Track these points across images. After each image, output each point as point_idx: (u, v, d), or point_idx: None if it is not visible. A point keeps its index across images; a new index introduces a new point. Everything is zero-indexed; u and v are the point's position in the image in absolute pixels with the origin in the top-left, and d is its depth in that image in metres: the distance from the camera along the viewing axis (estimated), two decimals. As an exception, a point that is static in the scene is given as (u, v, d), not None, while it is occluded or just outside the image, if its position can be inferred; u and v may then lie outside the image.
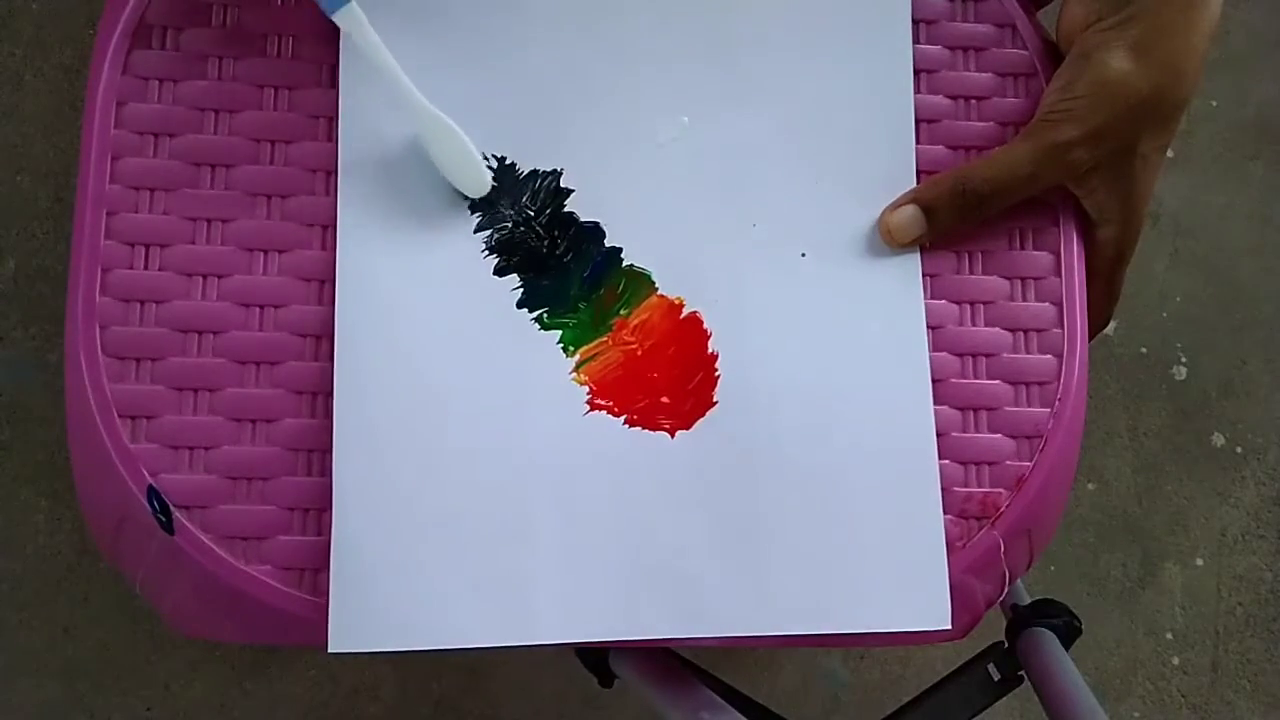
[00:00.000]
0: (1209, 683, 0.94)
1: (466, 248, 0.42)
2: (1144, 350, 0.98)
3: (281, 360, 0.41)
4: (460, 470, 0.40)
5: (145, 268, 0.41)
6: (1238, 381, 0.97)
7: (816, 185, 0.43)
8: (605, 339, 0.42)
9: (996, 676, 0.58)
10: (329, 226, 0.41)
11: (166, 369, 0.40)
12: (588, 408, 0.41)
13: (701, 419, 0.41)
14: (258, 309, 0.41)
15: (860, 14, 0.44)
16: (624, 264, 0.42)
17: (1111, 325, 0.86)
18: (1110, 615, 0.94)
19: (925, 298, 0.43)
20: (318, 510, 0.40)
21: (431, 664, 0.89)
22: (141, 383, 0.40)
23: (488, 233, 0.42)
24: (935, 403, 0.42)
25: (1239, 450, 0.97)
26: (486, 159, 0.42)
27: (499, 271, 0.42)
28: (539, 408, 0.41)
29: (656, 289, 0.42)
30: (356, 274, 0.41)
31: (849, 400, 0.42)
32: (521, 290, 0.42)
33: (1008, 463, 0.42)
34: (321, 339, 0.41)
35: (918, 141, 0.44)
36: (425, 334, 0.41)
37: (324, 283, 0.41)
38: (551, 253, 0.42)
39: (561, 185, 0.43)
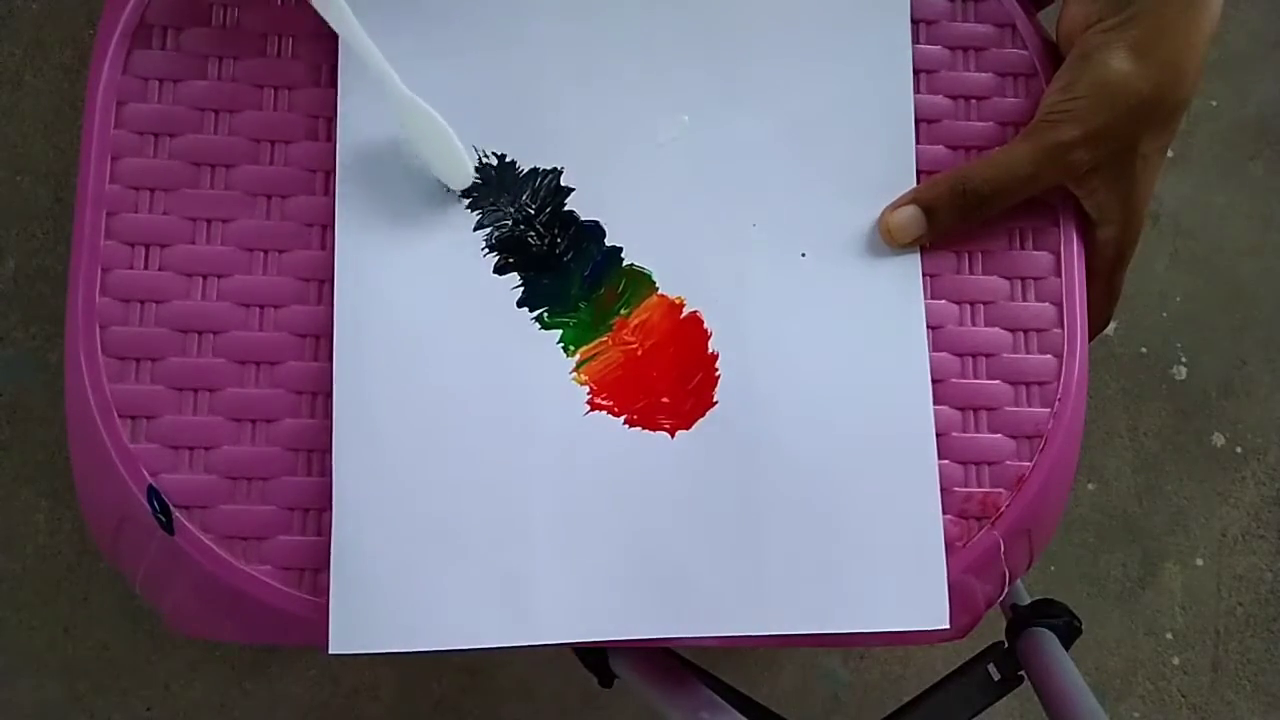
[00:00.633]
0: (1209, 683, 0.94)
1: (466, 246, 0.42)
2: (1144, 350, 0.97)
3: (281, 360, 0.41)
4: (460, 470, 0.40)
5: (145, 268, 0.41)
6: (1238, 381, 0.97)
7: (816, 185, 0.43)
8: (605, 338, 0.42)
9: (996, 676, 0.58)
10: (328, 226, 0.41)
11: (166, 369, 0.40)
12: (588, 407, 0.41)
13: (702, 419, 0.41)
14: (258, 309, 0.41)
15: (860, 14, 0.44)
16: (624, 263, 0.42)
17: (1111, 325, 0.86)
18: (1110, 615, 0.94)
19: (925, 298, 0.43)
20: (318, 510, 0.40)
21: (431, 664, 0.88)
22: (141, 383, 0.40)
23: (487, 230, 0.42)
24: (935, 403, 0.42)
25: (1239, 450, 0.97)
26: (486, 157, 0.42)
27: (499, 270, 0.42)
28: (539, 407, 0.41)
29: (657, 288, 0.42)
30: (355, 273, 0.41)
31: (849, 400, 0.42)
32: (522, 289, 0.42)
33: (1008, 463, 0.42)
34: (321, 339, 0.41)
35: (918, 141, 0.44)
36: (425, 333, 0.41)
37: (323, 282, 0.41)
38: (552, 252, 0.42)
39: (561, 184, 0.43)
